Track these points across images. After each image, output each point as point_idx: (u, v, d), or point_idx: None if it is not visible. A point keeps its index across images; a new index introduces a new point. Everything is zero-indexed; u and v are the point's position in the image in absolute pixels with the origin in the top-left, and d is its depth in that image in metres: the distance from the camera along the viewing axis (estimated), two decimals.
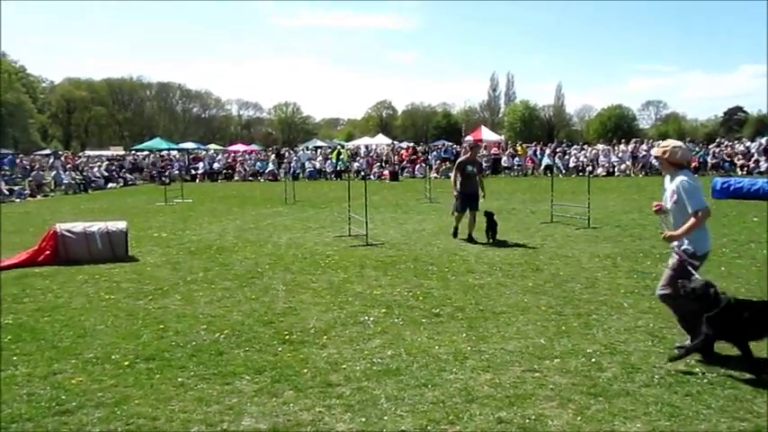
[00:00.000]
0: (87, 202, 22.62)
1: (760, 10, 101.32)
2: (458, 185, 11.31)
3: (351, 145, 47.58)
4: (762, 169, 29.28)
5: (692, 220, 5.02)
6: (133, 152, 44.95)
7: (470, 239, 11.08)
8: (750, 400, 4.25)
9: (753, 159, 30.56)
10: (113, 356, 5.34)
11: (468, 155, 12.05)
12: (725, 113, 77.84)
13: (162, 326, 6.23)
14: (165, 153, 42.37)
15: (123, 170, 34.77)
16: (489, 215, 11.15)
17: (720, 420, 3.95)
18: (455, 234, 11.51)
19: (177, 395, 4.51)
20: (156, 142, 49.00)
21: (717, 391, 4.39)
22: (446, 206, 17.59)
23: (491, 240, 10.96)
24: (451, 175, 11.64)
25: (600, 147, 35.98)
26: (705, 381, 4.59)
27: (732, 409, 4.11)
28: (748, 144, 34.07)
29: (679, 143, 5.59)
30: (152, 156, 40.25)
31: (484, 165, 31.81)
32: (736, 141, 37.72)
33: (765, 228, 11.94)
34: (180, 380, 4.79)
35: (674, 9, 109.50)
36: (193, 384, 4.70)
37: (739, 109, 76.52)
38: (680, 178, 5.19)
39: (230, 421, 4.09)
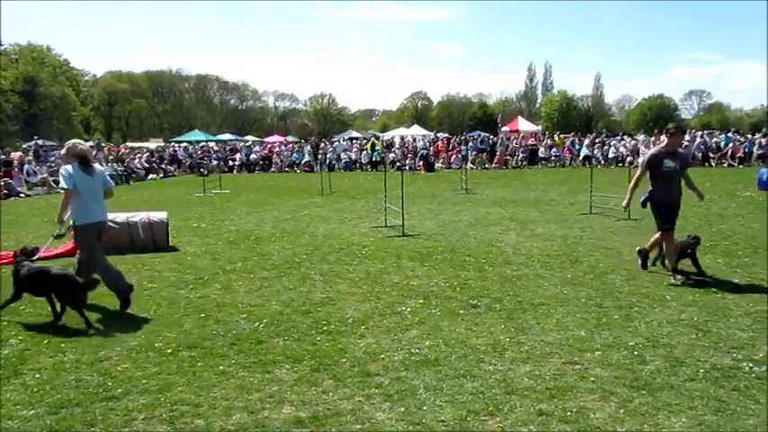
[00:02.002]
0: (129, 192, 23.05)
1: None
2: (649, 190, 7.61)
3: (386, 136, 47.58)
4: None
5: None
6: (173, 144, 45.68)
7: (676, 271, 7.36)
8: None
9: None
10: (156, 344, 5.44)
11: (666, 144, 7.77)
12: None
13: (203, 315, 6.33)
14: (203, 144, 42.97)
15: (163, 161, 35.36)
16: (694, 242, 7.81)
17: None
18: (644, 263, 7.97)
19: (219, 383, 4.58)
20: (195, 134, 49.87)
21: (765, 386, 4.28)
22: (482, 197, 17.55)
23: (697, 271, 7.61)
24: (636, 174, 7.88)
25: (640, 137, 35.28)
26: (753, 375, 4.47)
27: None
28: None
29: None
30: (191, 147, 40.84)
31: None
32: None
33: None
34: (221, 368, 4.86)
35: None
36: (234, 372, 4.77)
37: None
38: None
39: (271, 409, 4.13)
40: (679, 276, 7.25)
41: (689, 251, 7.71)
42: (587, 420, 3.84)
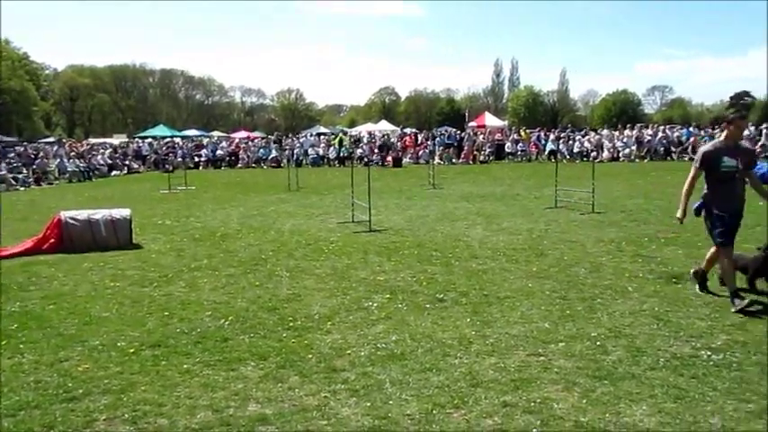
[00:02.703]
0: (91, 189, 22.64)
1: None
2: (704, 194, 6.32)
3: (353, 131, 47.49)
4: None
5: None
6: (137, 140, 44.93)
7: (735, 296, 5.97)
8: (756, 381, 4.24)
9: (760, 144, 30.36)
10: (119, 344, 5.35)
11: (725, 137, 6.23)
12: (731, 98, 77.06)
13: (167, 313, 6.24)
14: (168, 140, 42.35)
15: (127, 158, 34.75)
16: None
17: (726, 402, 3.95)
18: (703, 285, 6.57)
19: (183, 381, 4.52)
20: (160, 129, 49.16)
21: (723, 374, 4.38)
22: (449, 192, 17.65)
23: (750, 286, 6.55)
24: (689, 176, 6.38)
25: (604, 132, 35.84)
26: (711, 363, 4.58)
27: (738, 391, 4.11)
28: (753, 129, 33.85)
29: None
30: (155, 143, 40.22)
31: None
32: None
33: None
34: (185, 366, 4.80)
35: None
36: (199, 371, 4.71)
37: (746, 93, 75.78)
38: None
39: (236, 407, 4.09)
40: (738, 301, 5.87)
41: (762, 266, 6.41)
42: (551, 410, 3.89)
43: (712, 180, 6.19)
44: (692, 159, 27.27)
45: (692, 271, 6.68)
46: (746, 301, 5.85)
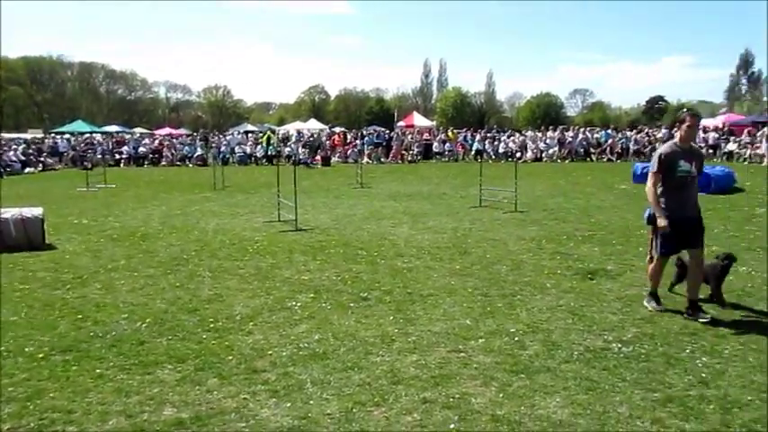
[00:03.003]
0: (2, 187, 21.46)
1: (686, 3, 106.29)
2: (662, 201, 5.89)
3: (282, 129, 46.99)
4: None
5: None
6: (53, 135, 42.93)
7: (694, 309, 5.72)
8: (662, 372, 4.45)
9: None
10: (27, 349, 5.09)
11: (680, 137, 5.92)
12: (647, 102, 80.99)
13: (80, 316, 5.99)
14: (87, 136, 40.68)
15: (42, 154, 33.15)
16: (729, 261, 6.17)
17: (635, 392, 4.12)
18: (656, 297, 6.07)
19: (95, 387, 4.35)
20: (78, 125, 47.13)
21: (632, 365, 4.58)
22: (377, 191, 17.73)
23: (714, 300, 6.14)
24: (648, 180, 5.95)
25: (528, 133, 36.84)
26: (621, 355, 4.78)
27: (645, 381, 4.30)
28: (666, 131, 35.63)
29: None
30: (74, 139, 38.55)
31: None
32: (656, 129, 39.35)
33: None
34: (98, 371, 4.62)
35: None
36: (113, 375, 4.54)
37: (660, 98, 79.78)
38: None
39: (151, 411, 3.97)
40: (702, 314, 5.62)
41: (720, 275, 6.15)
42: (469, 405, 3.96)
43: (666, 185, 5.82)
44: (610, 160, 28.35)
45: (647, 294, 6.12)
46: (707, 318, 5.56)
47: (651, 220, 5.98)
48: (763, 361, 4.63)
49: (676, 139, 5.97)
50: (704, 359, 4.68)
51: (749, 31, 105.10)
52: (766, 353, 4.79)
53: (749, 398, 4.02)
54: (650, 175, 5.91)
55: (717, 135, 32.35)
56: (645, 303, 6.07)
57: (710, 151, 30.58)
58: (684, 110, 6.25)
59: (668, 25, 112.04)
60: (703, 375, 4.38)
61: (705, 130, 34.35)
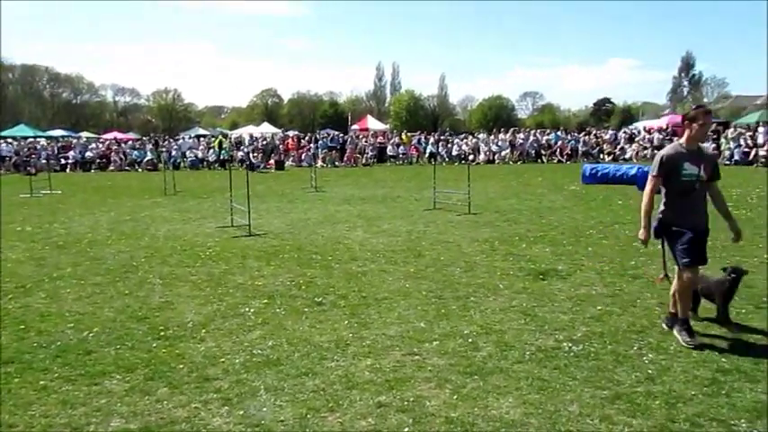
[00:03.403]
0: None
1: (631, 6, 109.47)
2: (663, 210, 5.31)
3: (235, 133, 46.44)
4: (626, 156, 31.57)
5: None
6: None
7: (678, 324, 5.20)
8: (611, 369, 4.54)
9: (618, 147, 32.87)
10: None
11: (687, 137, 5.21)
12: (594, 104, 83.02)
13: (23, 326, 5.78)
14: (30, 141, 39.36)
15: None
16: (738, 275, 5.46)
17: (584, 390, 4.20)
18: (687, 326, 5.16)
19: (39, 399, 4.20)
20: (21, 129, 45.54)
21: (582, 364, 4.67)
22: (331, 194, 17.67)
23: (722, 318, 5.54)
24: (646, 188, 5.31)
25: (481, 136, 37.29)
26: (572, 354, 4.86)
27: (595, 379, 4.39)
28: (613, 132, 36.62)
29: None
30: (16, 144, 37.25)
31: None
32: (603, 130, 40.36)
33: (629, 210, 12.86)
34: (42, 383, 4.47)
35: (553, 3, 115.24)
36: (57, 387, 4.40)
37: (607, 100, 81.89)
38: None
39: (97, 423, 3.86)
40: (687, 338, 5.03)
41: (728, 292, 5.51)
42: (423, 408, 3.97)
43: (669, 191, 5.22)
44: (560, 162, 28.89)
45: (665, 317, 5.51)
46: (694, 342, 4.99)
47: (658, 232, 5.32)
48: (705, 356, 4.78)
49: (682, 140, 5.22)
50: (651, 356, 4.81)
51: (690, 33, 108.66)
52: (709, 347, 4.94)
53: (693, 392, 4.14)
54: (649, 178, 5.26)
55: (661, 136, 33.33)
56: (675, 334, 5.14)
57: (655, 152, 31.52)
58: (694, 106, 5.36)
59: (613, 28, 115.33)
60: (650, 372, 4.50)
61: (650, 131, 35.44)
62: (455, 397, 4.13)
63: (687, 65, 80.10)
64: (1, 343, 5.34)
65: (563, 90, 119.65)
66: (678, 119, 42.50)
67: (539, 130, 38.76)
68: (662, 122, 40.43)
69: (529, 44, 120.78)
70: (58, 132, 49.80)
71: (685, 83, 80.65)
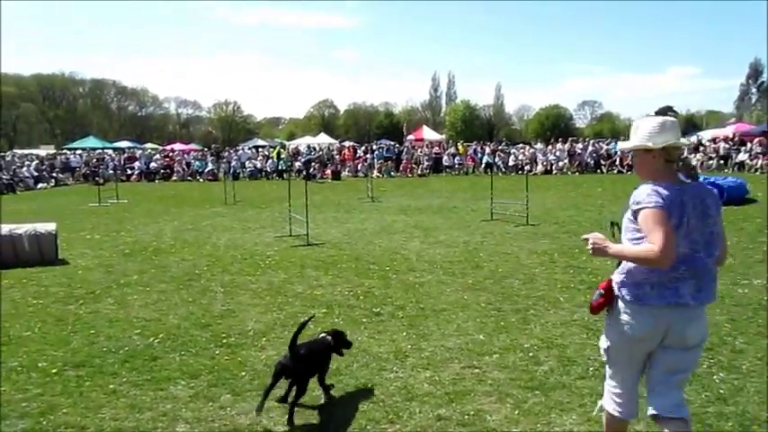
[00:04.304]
0: (15, 203, 21.66)
1: (688, 15, 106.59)
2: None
3: (292, 144, 47.20)
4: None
5: None
6: (65, 151, 43.31)
7: None
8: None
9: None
10: (40, 364, 5.10)
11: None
12: (656, 113, 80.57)
13: (93, 331, 6.00)
14: (99, 152, 41.01)
15: (54, 170, 33.46)
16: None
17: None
18: None
19: (108, 402, 4.35)
20: (90, 141, 47.55)
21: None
22: (387, 205, 17.74)
23: None
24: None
25: (538, 146, 36.80)
26: None
27: None
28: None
29: None
30: (85, 155, 38.87)
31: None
32: None
33: None
34: (111, 387, 4.62)
35: (608, 11, 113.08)
36: (125, 391, 4.54)
37: (670, 108, 78.73)
38: None
39: (164, 428, 3.96)
40: None
41: None
42: (484, 423, 3.92)
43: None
44: (620, 172, 28.06)
45: None
46: None
47: None
48: None
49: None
50: (722, 375, 4.62)
51: (756, 41, 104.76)
52: None
53: None
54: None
55: (727, 145, 32.15)
56: None
57: (721, 161, 30.44)
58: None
59: (673, 36, 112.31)
60: (721, 391, 4.32)
61: (715, 141, 34.22)
62: (516, 412, 4.06)
63: (755, 72, 77.06)
64: (73, 347, 5.55)
65: (621, 98, 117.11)
66: (745, 127, 41.06)
67: (598, 140, 37.99)
68: (728, 131, 39.02)
69: (586, 52, 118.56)
70: (124, 144, 51.66)
71: (753, 90, 77.62)
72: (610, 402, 3.28)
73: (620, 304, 3.08)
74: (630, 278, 3.03)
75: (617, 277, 3.11)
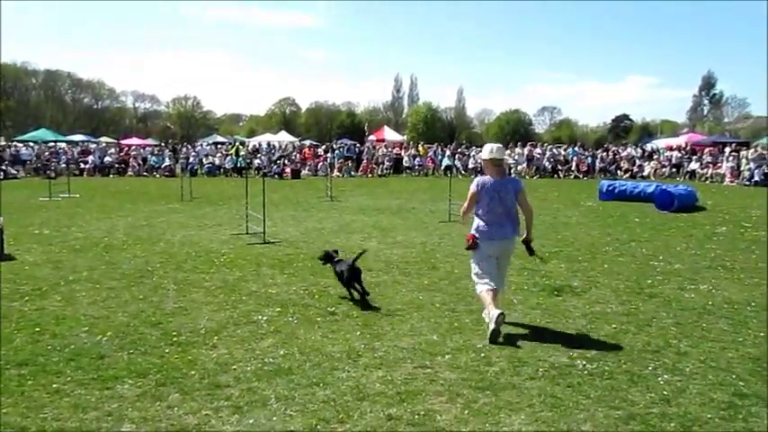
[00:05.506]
0: None
1: (647, 25, 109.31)
2: None
3: (252, 141, 46.73)
4: (644, 173, 31.34)
5: None
6: (15, 143, 41.99)
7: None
8: (625, 389, 4.48)
9: (636, 164, 32.65)
10: None
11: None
12: (612, 121, 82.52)
13: (38, 329, 5.82)
14: (51, 145, 39.89)
15: (3, 162, 32.39)
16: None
17: (598, 410, 4.14)
18: None
19: (51, 402, 4.22)
20: (42, 133, 46.17)
21: (596, 382, 4.61)
22: (346, 204, 17.69)
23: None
24: None
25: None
26: (585, 372, 4.80)
27: (609, 398, 4.33)
28: (630, 149, 36.41)
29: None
30: (37, 147, 37.74)
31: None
32: (621, 147, 40.12)
33: (645, 228, 12.75)
34: (55, 386, 4.49)
35: (574, 18, 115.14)
36: (70, 390, 4.42)
37: (626, 117, 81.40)
38: None
39: (108, 428, 3.86)
40: None
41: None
42: (434, 422, 3.94)
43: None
44: (577, 177, 28.88)
45: None
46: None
47: None
48: (722, 378, 4.70)
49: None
50: (666, 376, 4.74)
51: (711, 53, 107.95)
52: (726, 370, 4.87)
53: (709, 415, 4.07)
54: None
55: (679, 154, 33.08)
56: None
57: (674, 170, 31.30)
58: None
59: (632, 46, 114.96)
60: (665, 393, 4.43)
61: (669, 149, 35.17)
62: (466, 412, 4.09)
63: (708, 84, 79.39)
64: (16, 345, 5.38)
65: (580, 105, 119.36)
66: (697, 137, 42.33)
67: (556, 145, 38.62)
68: (681, 140, 40.16)
69: (547, 59, 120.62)
70: (78, 137, 50.34)
71: (705, 102, 79.97)
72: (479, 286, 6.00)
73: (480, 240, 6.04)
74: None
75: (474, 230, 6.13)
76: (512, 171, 31.99)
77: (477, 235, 6.02)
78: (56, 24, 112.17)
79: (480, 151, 36.19)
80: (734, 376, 4.75)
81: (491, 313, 5.58)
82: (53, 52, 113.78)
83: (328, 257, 7.40)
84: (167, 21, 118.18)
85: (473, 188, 6.09)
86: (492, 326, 5.49)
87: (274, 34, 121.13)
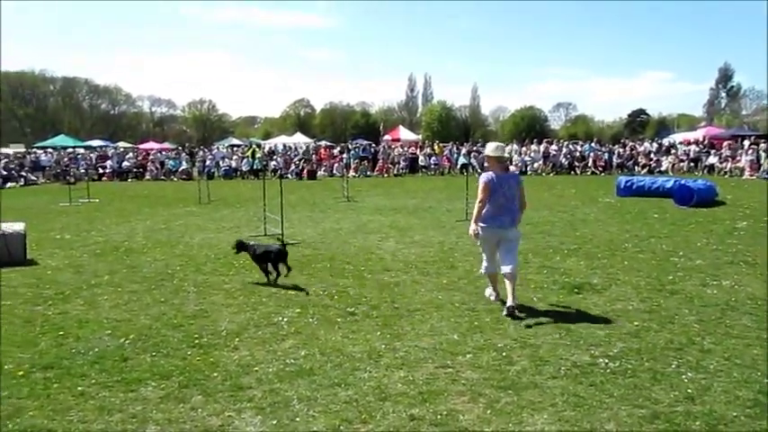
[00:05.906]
0: None
1: (662, 21, 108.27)
2: None
3: (268, 143, 46.95)
4: (662, 168, 31.03)
5: None
6: (35, 150, 42.54)
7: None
8: (648, 387, 4.44)
9: (654, 159, 32.34)
10: (6, 366, 5.00)
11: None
12: (629, 116, 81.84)
13: (62, 332, 5.89)
14: (70, 151, 40.36)
15: (24, 168, 32.84)
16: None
17: (621, 408, 4.11)
18: None
19: (76, 405, 4.27)
20: (61, 139, 46.83)
21: (618, 381, 4.57)
22: (363, 204, 17.69)
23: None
24: None
25: (513, 146, 37.05)
26: (608, 371, 4.77)
27: (632, 397, 4.29)
28: (647, 144, 36.06)
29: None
30: (56, 154, 38.21)
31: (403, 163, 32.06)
32: (638, 142, 39.76)
33: (665, 224, 12.62)
34: (80, 389, 4.54)
35: (587, 14, 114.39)
36: (94, 393, 4.47)
37: (642, 111, 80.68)
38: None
39: (133, 430, 3.90)
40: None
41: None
42: (457, 422, 3.93)
43: None
44: (594, 174, 28.61)
45: None
46: None
47: None
48: (747, 376, 4.64)
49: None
50: (690, 374, 4.69)
51: (725, 46, 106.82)
52: (750, 367, 4.81)
53: (734, 413, 4.02)
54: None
55: (697, 148, 32.70)
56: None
57: (692, 164, 30.96)
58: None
59: (647, 41, 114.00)
60: (689, 391, 4.38)
61: (687, 144, 34.79)
62: (489, 411, 4.08)
63: (725, 76, 78.45)
64: (41, 348, 5.45)
65: (596, 101, 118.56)
66: (715, 131, 41.81)
67: (572, 142, 38.38)
68: (698, 134, 39.70)
69: (562, 55, 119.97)
70: (96, 142, 50.97)
71: (723, 95, 79.05)
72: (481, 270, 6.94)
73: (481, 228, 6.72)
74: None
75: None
76: (528, 168, 31.88)
77: (480, 224, 6.72)
78: (55, 24, 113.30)
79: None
80: (759, 373, 4.69)
81: (486, 291, 7.02)
82: (53, 52, 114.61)
83: (241, 246, 8.12)
84: (181, 24, 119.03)
85: (485, 180, 6.65)
86: (491, 299, 6.87)
87: (289, 36, 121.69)
